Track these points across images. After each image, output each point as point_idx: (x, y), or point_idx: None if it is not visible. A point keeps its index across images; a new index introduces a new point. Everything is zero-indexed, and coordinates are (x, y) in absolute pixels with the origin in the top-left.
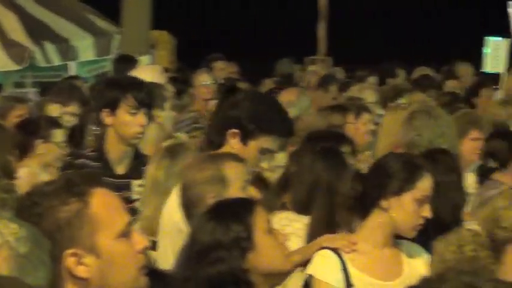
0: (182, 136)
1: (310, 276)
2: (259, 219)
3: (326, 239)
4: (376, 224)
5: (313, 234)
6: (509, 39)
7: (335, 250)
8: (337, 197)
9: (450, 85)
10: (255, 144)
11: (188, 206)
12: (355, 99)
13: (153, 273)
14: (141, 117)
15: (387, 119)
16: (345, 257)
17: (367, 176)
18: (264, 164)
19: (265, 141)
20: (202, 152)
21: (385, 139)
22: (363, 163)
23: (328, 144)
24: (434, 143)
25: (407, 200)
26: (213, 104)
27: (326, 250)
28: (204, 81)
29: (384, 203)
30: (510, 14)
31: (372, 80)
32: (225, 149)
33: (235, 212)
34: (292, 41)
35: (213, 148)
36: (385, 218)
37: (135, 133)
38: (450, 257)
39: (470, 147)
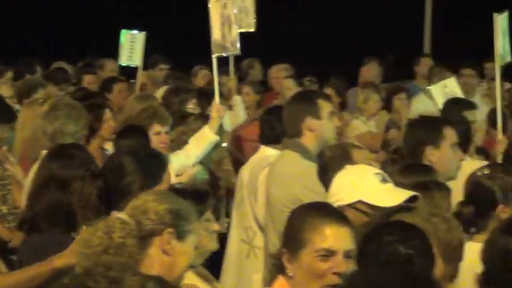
0: None
1: None
2: None
3: None
4: None
5: None
6: (144, 33)
7: None
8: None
9: (88, 80)
10: None
11: None
12: None
13: None
14: None
15: (23, 114)
16: None
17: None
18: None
19: None
20: None
21: (21, 134)
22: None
23: None
24: (77, 135)
25: None
26: None
27: None
28: None
29: None
30: (209, 9)
31: (9, 75)
32: None
33: None
34: None
35: None
36: None
37: None
38: (97, 242)
39: (155, 141)
